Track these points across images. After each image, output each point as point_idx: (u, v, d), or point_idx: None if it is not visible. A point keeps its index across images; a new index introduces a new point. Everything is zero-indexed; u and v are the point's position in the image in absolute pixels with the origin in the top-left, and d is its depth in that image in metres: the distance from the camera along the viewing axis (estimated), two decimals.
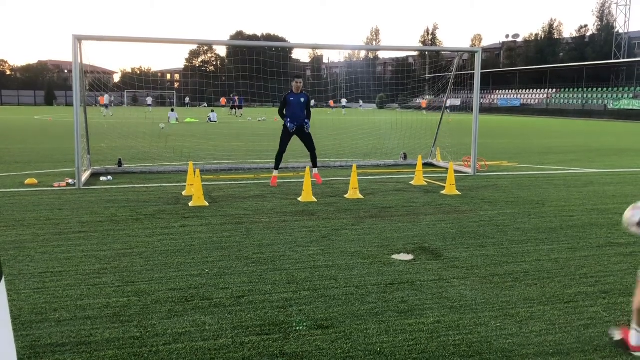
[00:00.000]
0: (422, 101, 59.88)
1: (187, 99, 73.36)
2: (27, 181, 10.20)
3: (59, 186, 9.89)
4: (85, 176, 10.60)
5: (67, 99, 76.96)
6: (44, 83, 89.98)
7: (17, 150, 16.53)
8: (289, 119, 10.11)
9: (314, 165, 10.51)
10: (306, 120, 10.25)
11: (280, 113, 10.27)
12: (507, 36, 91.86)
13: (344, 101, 64.84)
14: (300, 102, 10.15)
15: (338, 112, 60.19)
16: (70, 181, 10.18)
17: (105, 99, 37.39)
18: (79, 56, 10.25)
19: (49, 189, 9.69)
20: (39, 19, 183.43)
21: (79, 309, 4.22)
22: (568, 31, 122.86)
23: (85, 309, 4.22)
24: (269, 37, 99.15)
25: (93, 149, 12.41)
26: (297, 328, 3.90)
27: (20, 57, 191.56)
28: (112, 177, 11.08)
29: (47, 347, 3.58)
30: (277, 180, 10.51)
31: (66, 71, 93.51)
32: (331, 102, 68.89)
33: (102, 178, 10.92)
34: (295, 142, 11.15)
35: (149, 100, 59.98)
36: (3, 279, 1.41)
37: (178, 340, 3.69)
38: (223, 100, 61.04)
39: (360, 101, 70.27)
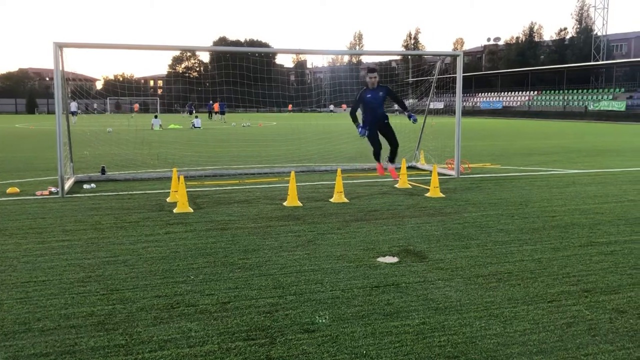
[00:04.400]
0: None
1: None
2: (9, 190, 10.08)
3: (42, 194, 9.79)
4: (68, 184, 10.50)
5: (48, 107, 76.16)
6: (25, 91, 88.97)
7: None
8: None
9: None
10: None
11: None
12: (489, 39, 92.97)
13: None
14: None
15: (325, 117, 60.36)
16: (53, 189, 10.08)
17: (73, 106, 36.79)
18: (60, 64, 10.17)
19: (32, 197, 9.59)
20: (20, 26, 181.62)
21: (63, 318, 4.18)
22: (548, 34, 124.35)
23: (69, 317, 4.18)
24: (252, 43, 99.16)
25: (76, 156, 12.31)
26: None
27: (0, 65, 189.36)
28: (96, 185, 11.00)
29: (31, 357, 3.55)
30: (264, 185, 10.50)
31: (47, 79, 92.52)
32: (289, 106, 69.97)
33: (86, 186, 10.84)
34: (287, 146, 11.14)
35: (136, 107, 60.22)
36: None
37: (164, 347, 3.68)
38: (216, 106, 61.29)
39: (331, 106, 70.66)
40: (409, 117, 9.52)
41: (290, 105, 69.90)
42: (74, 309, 4.35)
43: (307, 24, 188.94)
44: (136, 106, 67.11)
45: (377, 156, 9.76)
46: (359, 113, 9.50)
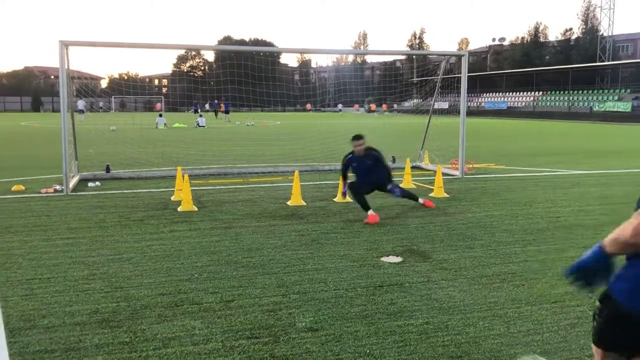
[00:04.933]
0: (372, 105, 64.48)
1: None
2: (14, 188, 10.12)
3: (47, 192, 9.82)
4: (73, 182, 10.54)
5: (54, 105, 76.32)
6: (30, 89, 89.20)
7: (3, 157, 16.41)
8: None
9: None
10: None
11: None
12: (494, 39, 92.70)
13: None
14: None
15: (333, 116, 60.43)
16: (57, 187, 10.11)
17: (80, 104, 36.95)
18: (65, 62, 10.20)
19: (37, 195, 9.63)
20: (25, 24, 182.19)
21: (68, 315, 4.20)
22: (553, 34, 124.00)
23: (74, 315, 4.20)
24: (256, 42, 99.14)
25: (80, 154, 12.35)
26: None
27: (6, 63, 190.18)
28: (100, 183, 11.03)
29: (36, 353, 3.57)
30: (268, 185, 10.46)
31: (53, 77, 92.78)
32: (308, 106, 70.46)
33: (90, 184, 10.87)
34: (290, 146, 11.12)
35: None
36: None
37: (168, 345, 3.69)
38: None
39: (340, 105, 71.43)
40: (391, 191, 8.08)
41: (309, 105, 70.53)
42: (78, 306, 4.37)
43: (311, 23, 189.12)
44: (158, 105, 66.90)
45: (364, 206, 7.76)
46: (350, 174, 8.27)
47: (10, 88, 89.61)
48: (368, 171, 7.95)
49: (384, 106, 65.77)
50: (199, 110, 48.65)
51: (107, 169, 12.19)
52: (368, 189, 8.03)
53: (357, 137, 7.99)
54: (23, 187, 10.20)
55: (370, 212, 7.61)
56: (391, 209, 8.43)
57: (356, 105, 74.52)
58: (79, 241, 6.43)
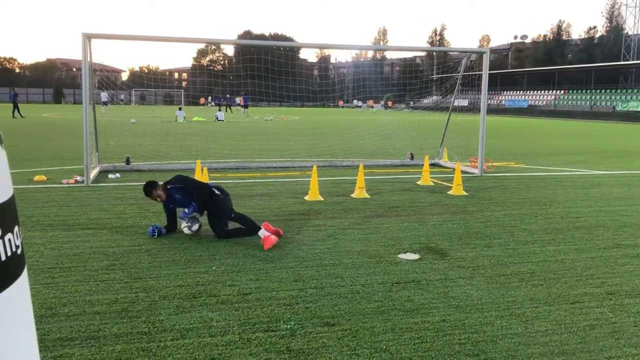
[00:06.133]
0: (370, 101, 64.73)
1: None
2: (36, 178, 10.27)
3: (68, 183, 9.96)
4: (93, 173, 10.67)
5: (75, 97, 77.26)
6: (52, 81, 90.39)
7: (26, 147, 16.65)
8: None
9: None
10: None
11: None
12: (516, 37, 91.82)
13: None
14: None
15: (349, 112, 60.34)
16: (78, 178, 10.25)
17: (103, 96, 37.57)
18: (88, 54, 10.31)
19: (58, 185, 9.76)
20: (48, 17, 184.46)
21: (88, 304, 4.26)
22: (577, 32, 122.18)
23: (93, 304, 4.26)
24: (276, 37, 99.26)
25: (101, 146, 12.48)
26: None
27: (29, 54, 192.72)
28: (120, 175, 11.15)
29: (57, 341, 3.63)
30: (286, 179, 10.49)
31: (74, 69, 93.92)
32: (340, 102, 70.44)
33: (110, 175, 10.99)
34: (309, 141, 11.11)
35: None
36: (25, 268, 1.45)
37: (185, 336, 3.73)
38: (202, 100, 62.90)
39: (355, 101, 71.69)
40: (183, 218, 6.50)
41: (340, 102, 70.85)
42: (98, 296, 4.43)
43: (331, 18, 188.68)
44: (202, 99, 67.13)
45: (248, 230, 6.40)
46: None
47: (32, 80, 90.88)
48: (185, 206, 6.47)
49: (389, 103, 66.16)
50: (221, 104, 48.90)
51: (127, 161, 12.31)
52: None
53: (147, 191, 6.52)
54: (45, 178, 10.35)
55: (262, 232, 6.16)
56: (409, 206, 8.40)
57: (371, 101, 74.63)
58: (99, 232, 6.51)
